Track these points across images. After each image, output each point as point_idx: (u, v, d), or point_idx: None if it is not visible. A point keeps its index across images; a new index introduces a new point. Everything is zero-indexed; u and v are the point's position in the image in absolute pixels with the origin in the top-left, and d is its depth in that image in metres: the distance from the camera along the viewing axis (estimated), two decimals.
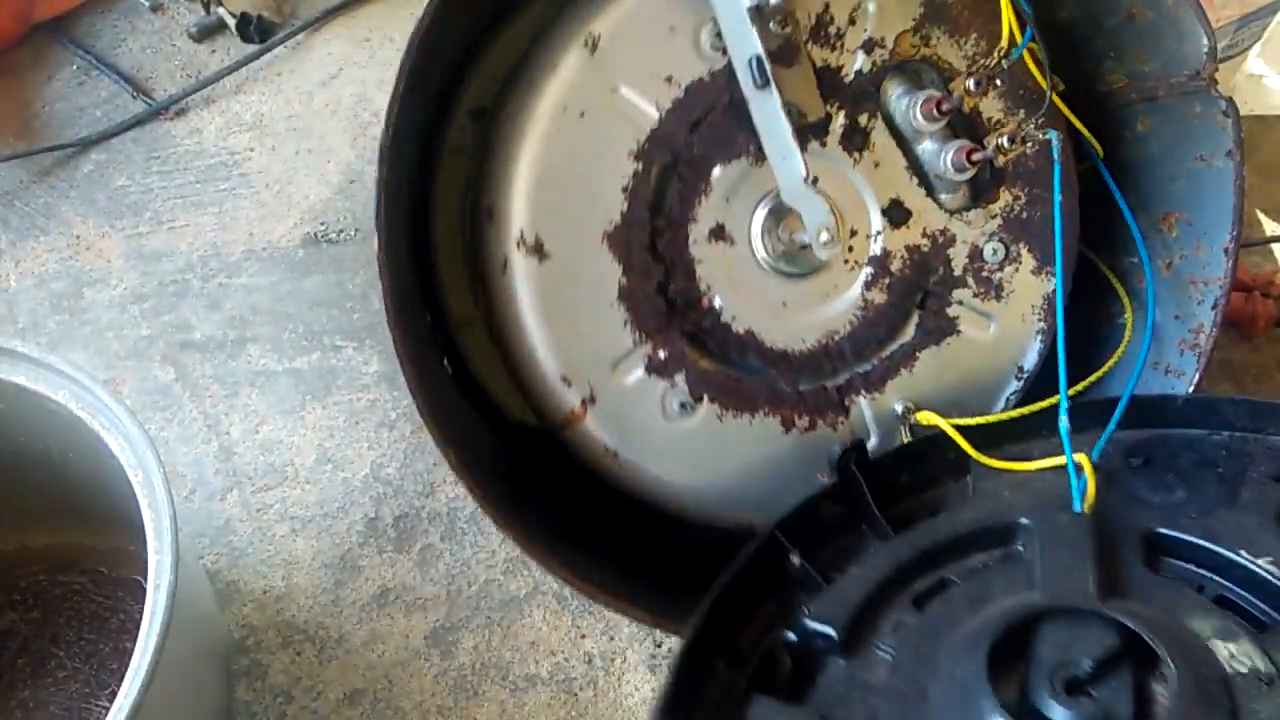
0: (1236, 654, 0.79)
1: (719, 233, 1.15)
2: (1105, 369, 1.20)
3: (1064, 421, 0.98)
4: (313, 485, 1.56)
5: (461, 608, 1.47)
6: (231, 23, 1.92)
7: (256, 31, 1.92)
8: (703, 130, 1.13)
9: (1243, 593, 0.86)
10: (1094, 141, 1.19)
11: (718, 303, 1.17)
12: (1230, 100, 1.08)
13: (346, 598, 1.48)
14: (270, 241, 1.75)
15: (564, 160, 1.11)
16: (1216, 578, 0.88)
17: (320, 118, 1.87)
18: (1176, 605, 0.84)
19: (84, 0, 1.97)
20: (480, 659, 1.44)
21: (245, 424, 1.61)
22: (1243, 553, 0.86)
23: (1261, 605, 0.85)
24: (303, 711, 1.41)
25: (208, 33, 1.95)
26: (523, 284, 1.12)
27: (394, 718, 1.40)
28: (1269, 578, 0.84)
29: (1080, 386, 1.17)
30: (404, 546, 1.51)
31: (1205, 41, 1.06)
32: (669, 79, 1.11)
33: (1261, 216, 1.78)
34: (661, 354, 1.15)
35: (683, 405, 1.17)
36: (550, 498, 1.28)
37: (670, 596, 1.21)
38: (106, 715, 0.96)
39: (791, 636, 0.94)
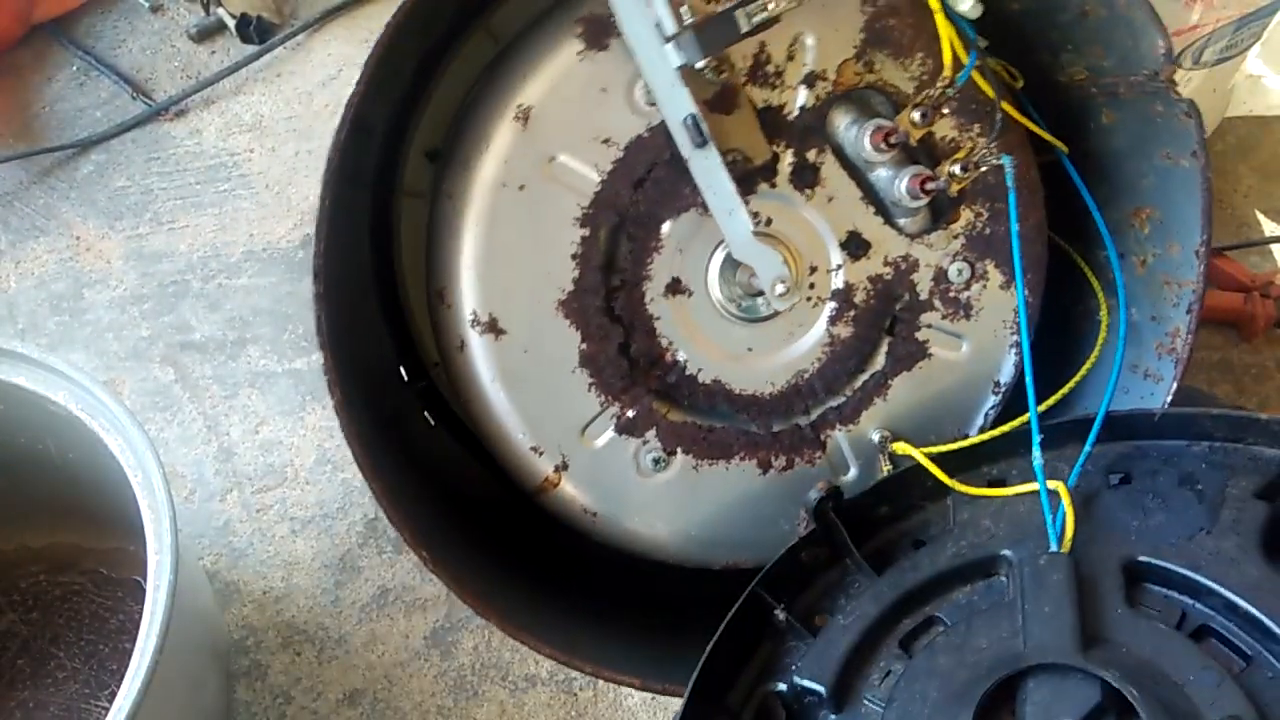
0: (1217, 699, 0.79)
1: (675, 286, 1.14)
2: (1079, 377, 1.17)
3: (1038, 459, 0.97)
4: (312, 486, 1.56)
5: (461, 608, 1.47)
6: (231, 24, 1.92)
7: (256, 32, 1.92)
8: (647, 187, 1.11)
9: (1225, 622, 0.85)
10: (1056, 142, 1.18)
11: (681, 356, 1.15)
12: (1191, 102, 1.06)
13: (346, 598, 1.48)
14: (270, 242, 1.75)
15: (508, 236, 1.10)
16: (1199, 605, 0.87)
17: (320, 118, 1.87)
18: (1158, 647, 0.84)
19: (84, 1, 1.97)
20: (480, 659, 1.44)
21: (245, 425, 1.61)
22: (1224, 582, 0.85)
23: (1244, 635, 0.84)
24: (303, 711, 1.41)
25: (207, 34, 1.95)
26: (482, 362, 1.12)
27: (394, 718, 1.40)
28: (1250, 608, 0.83)
29: (1054, 399, 1.16)
30: (403, 547, 1.51)
31: (1160, 43, 1.04)
32: (607, 140, 1.09)
33: (1261, 216, 1.78)
34: (630, 413, 1.15)
35: (656, 460, 1.16)
36: (540, 548, 1.29)
37: (656, 649, 1.21)
38: (106, 715, 0.96)
39: (782, 687, 0.94)
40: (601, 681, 1.43)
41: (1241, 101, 1.87)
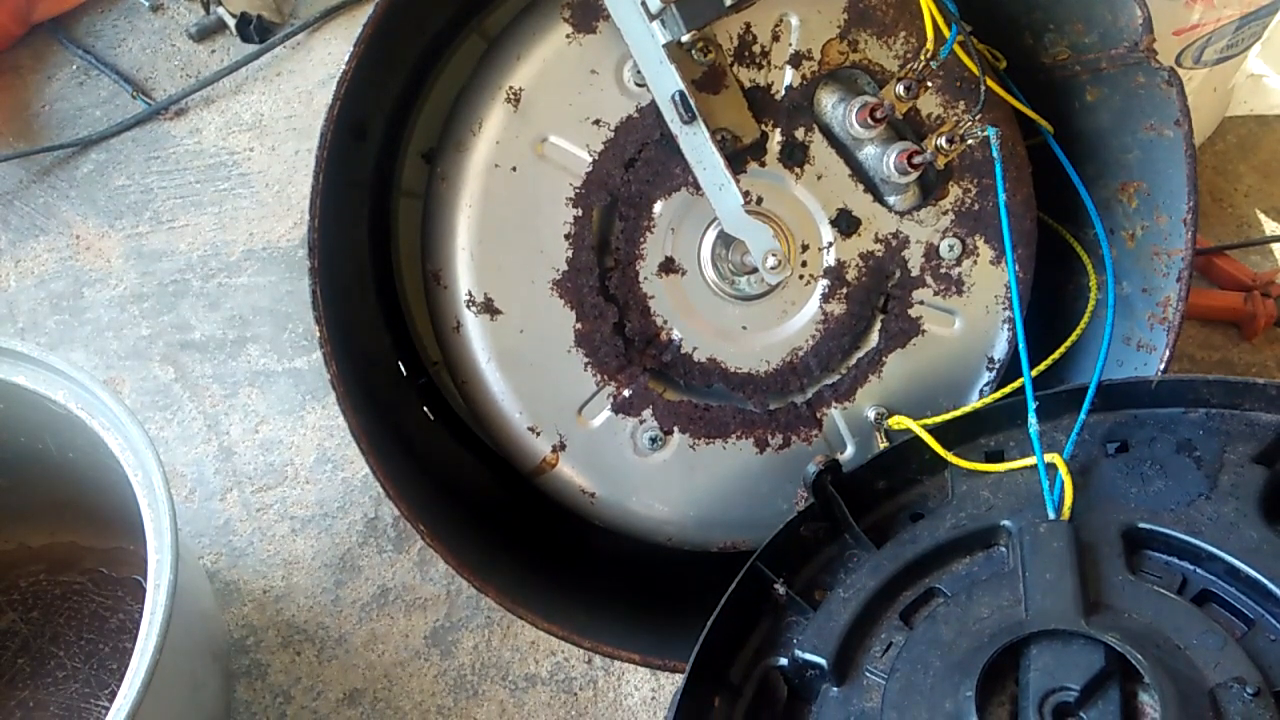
0: (1220, 662, 0.79)
1: (668, 265, 1.15)
2: (1069, 342, 1.19)
3: (1034, 428, 0.97)
4: (312, 485, 1.56)
5: (461, 607, 1.47)
6: (231, 23, 1.92)
7: (256, 31, 1.92)
8: (638, 167, 1.12)
9: (1226, 586, 0.85)
10: (1041, 121, 1.19)
11: (676, 335, 1.16)
12: (1172, 70, 1.07)
13: (346, 598, 1.48)
14: (270, 241, 1.75)
15: (502, 217, 1.11)
16: (1199, 571, 0.87)
17: (320, 117, 1.86)
18: (1160, 612, 0.84)
19: (84, 0, 1.96)
20: (480, 659, 1.44)
21: (245, 424, 1.61)
22: (1224, 546, 0.85)
23: (1245, 599, 0.84)
24: (303, 711, 1.41)
25: (207, 33, 1.96)
26: (478, 343, 1.13)
27: (394, 717, 1.40)
28: (1250, 571, 0.83)
29: (1045, 365, 1.16)
30: (404, 546, 1.51)
31: (1139, 13, 1.05)
32: (597, 121, 1.10)
33: (1261, 216, 1.78)
34: (626, 392, 1.15)
35: (653, 440, 1.17)
36: (540, 535, 1.29)
37: (656, 627, 1.21)
38: (106, 715, 0.96)
39: (783, 661, 0.94)
40: (602, 680, 1.43)
41: (1242, 101, 1.87)
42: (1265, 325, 1.64)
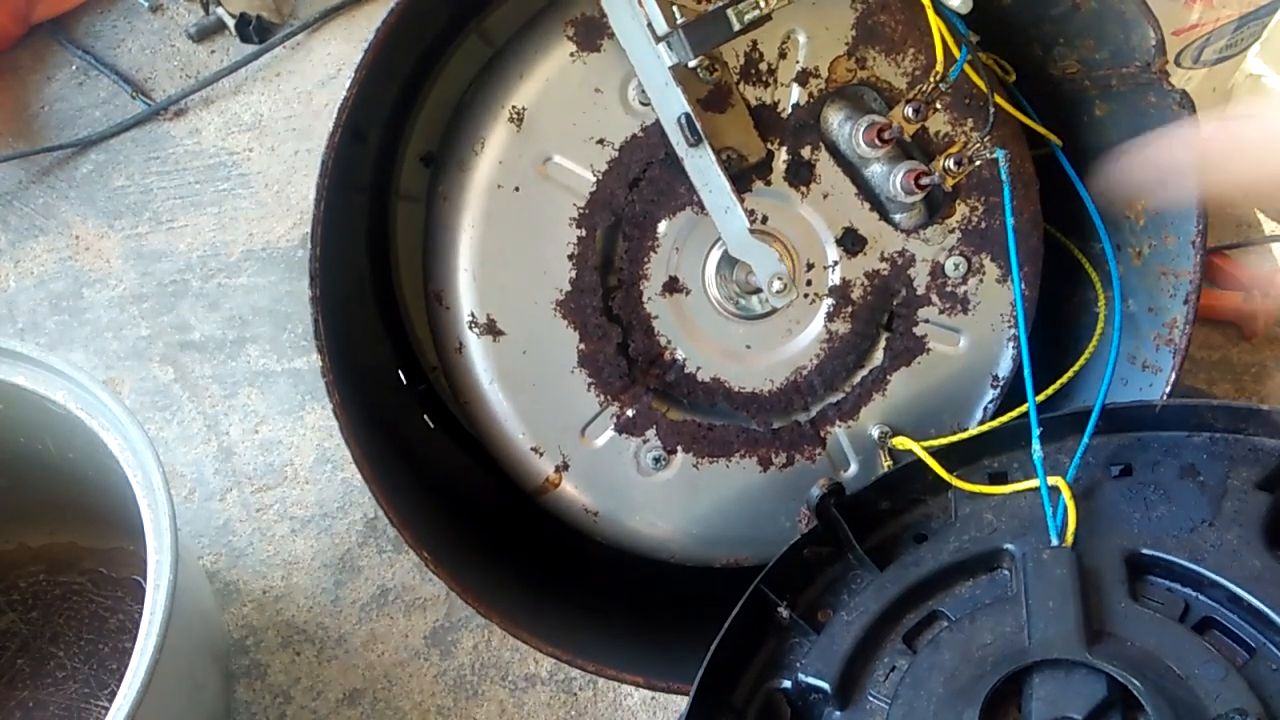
0: (1222, 693, 0.79)
1: (672, 285, 1.14)
2: (1075, 369, 1.19)
3: (1037, 453, 0.97)
4: (312, 485, 1.56)
5: (461, 607, 1.47)
6: (231, 23, 1.92)
7: (255, 32, 1.91)
8: (642, 187, 1.11)
9: (1228, 613, 0.85)
10: (1050, 135, 1.18)
11: (680, 354, 1.16)
12: (1184, 93, 1.06)
13: (346, 598, 1.48)
14: (269, 242, 1.75)
15: (504, 237, 1.10)
16: (1202, 597, 0.87)
17: (319, 118, 1.86)
18: (1162, 640, 0.84)
19: (83, 1, 1.96)
20: (480, 658, 1.44)
21: (245, 424, 1.61)
22: (1226, 574, 0.85)
23: (1247, 626, 0.84)
24: (302, 711, 1.41)
25: (207, 33, 1.95)
26: (480, 363, 1.13)
27: (393, 717, 1.40)
28: (1252, 599, 0.83)
29: (1050, 391, 1.17)
30: (403, 546, 1.51)
31: (1152, 35, 1.04)
32: (601, 141, 1.09)
33: (1261, 217, 1.78)
34: (629, 412, 1.15)
35: (656, 459, 1.17)
36: (542, 549, 1.29)
37: (659, 647, 1.21)
38: (106, 715, 0.96)
39: (787, 684, 0.94)
40: (601, 681, 1.43)
41: (1241, 101, 1.87)
42: (1265, 325, 1.64)
